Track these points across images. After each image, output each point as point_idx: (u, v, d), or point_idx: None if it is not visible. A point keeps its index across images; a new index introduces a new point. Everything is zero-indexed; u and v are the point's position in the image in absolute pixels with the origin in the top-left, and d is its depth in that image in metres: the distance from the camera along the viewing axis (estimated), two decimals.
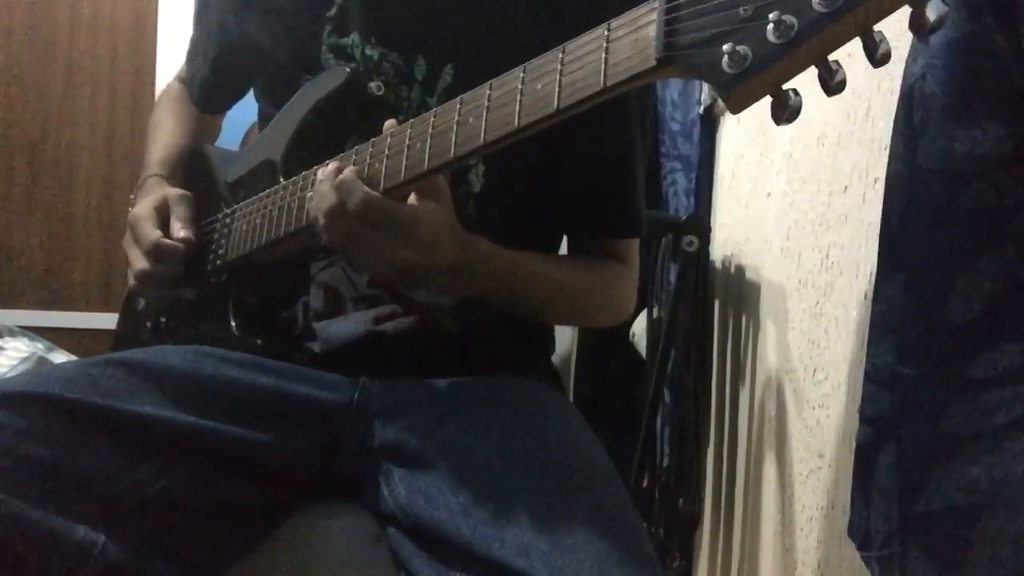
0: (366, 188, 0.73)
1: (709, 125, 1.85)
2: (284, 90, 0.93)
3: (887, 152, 0.66)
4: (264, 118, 0.99)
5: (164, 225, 0.94)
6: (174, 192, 0.97)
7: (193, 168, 1.07)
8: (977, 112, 0.55)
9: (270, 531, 0.80)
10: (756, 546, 1.29)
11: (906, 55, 0.63)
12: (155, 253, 0.91)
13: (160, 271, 0.92)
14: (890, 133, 0.65)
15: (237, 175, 0.99)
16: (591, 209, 0.94)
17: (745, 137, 1.59)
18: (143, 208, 0.95)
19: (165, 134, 1.09)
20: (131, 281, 0.95)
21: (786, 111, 0.51)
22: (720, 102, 1.72)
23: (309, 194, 0.80)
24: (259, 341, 0.90)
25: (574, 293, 0.93)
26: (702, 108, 1.82)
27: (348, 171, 0.74)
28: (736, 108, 0.52)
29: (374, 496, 0.78)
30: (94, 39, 3.11)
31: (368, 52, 0.89)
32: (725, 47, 0.51)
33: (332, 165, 0.76)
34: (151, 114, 1.16)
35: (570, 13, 0.63)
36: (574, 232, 0.98)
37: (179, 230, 0.93)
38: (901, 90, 0.63)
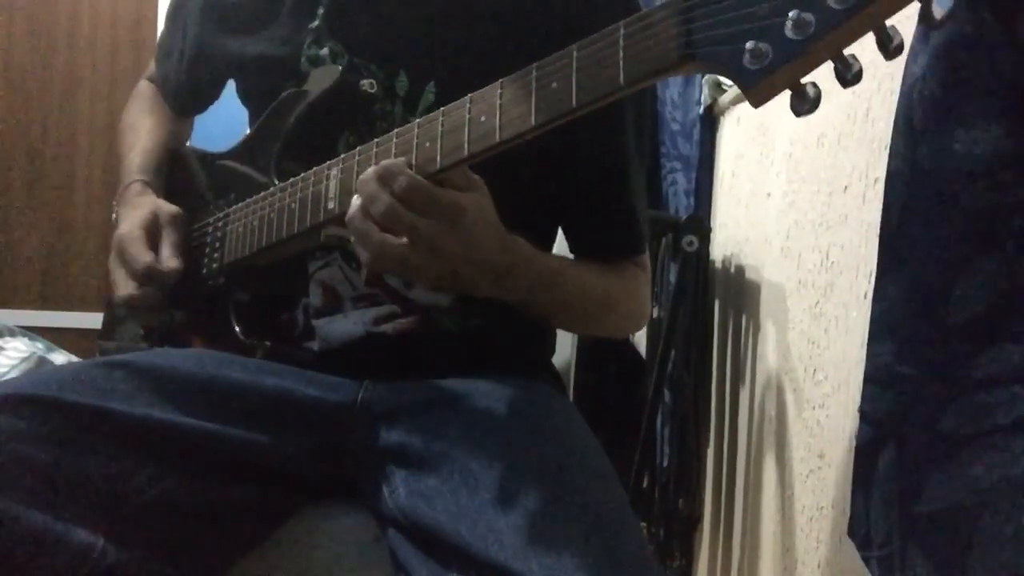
0: (410, 171, 0.70)
1: (709, 125, 1.85)
2: (266, 97, 0.92)
3: (887, 152, 0.66)
4: (251, 119, 0.97)
5: (154, 244, 0.91)
6: (165, 211, 0.94)
7: (175, 171, 1.05)
8: (977, 112, 0.55)
9: (270, 532, 0.80)
10: (756, 546, 1.29)
11: (906, 55, 0.63)
12: (144, 278, 0.89)
13: (147, 295, 0.90)
14: (890, 133, 0.65)
15: (225, 178, 0.97)
16: (591, 232, 0.93)
17: (745, 137, 1.59)
18: (131, 227, 0.91)
19: (143, 136, 1.07)
20: (116, 302, 0.92)
21: (806, 103, 0.53)
22: (720, 102, 1.73)
23: (330, 195, 0.78)
24: (267, 343, 0.90)
25: (608, 299, 0.91)
26: (702, 108, 1.82)
27: (391, 160, 0.71)
28: (758, 102, 0.54)
29: (375, 497, 0.78)
30: (94, 39, 3.11)
31: (355, 62, 0.89)
32: (747, 44, 0.52)
33: (373, 167, 0.72)
34: (124, 115, 1.13)
35: (555, 34, 0.62)
36: (576, 252, 0.96)
37: (169, 258, 0.90)
38: (901, 90, 0.63)
